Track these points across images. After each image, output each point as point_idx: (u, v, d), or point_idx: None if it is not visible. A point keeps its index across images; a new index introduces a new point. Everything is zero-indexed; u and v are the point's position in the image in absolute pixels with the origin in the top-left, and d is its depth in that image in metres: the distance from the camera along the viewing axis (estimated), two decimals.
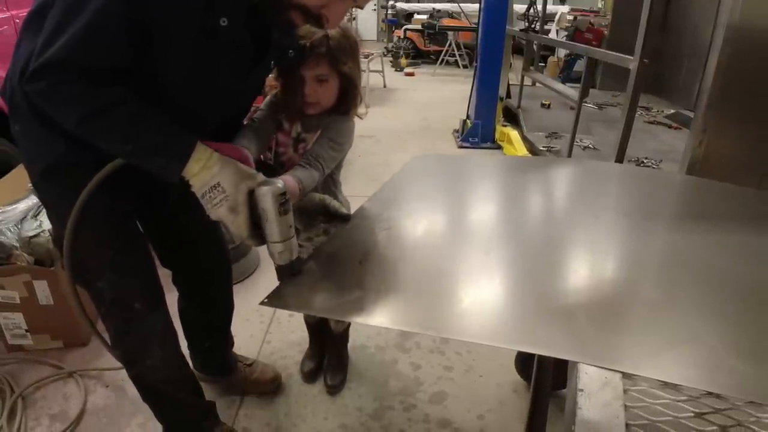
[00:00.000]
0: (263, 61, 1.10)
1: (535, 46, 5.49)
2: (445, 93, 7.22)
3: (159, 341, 1.21)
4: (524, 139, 4.34)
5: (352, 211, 1.24)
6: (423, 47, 10.40)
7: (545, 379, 1.19)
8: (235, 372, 1.69)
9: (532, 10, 4.91)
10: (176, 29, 0.89)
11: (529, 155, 4.00)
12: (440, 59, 9.59)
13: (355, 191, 1.71)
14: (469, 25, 9.05)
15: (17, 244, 1.77)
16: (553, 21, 8.40)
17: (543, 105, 5.29)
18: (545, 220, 1.32)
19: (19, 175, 2.10)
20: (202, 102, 1.03)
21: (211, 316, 1.58)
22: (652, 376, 0.77)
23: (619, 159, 2.64)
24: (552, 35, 7.87)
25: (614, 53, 2.87)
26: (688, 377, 0.70)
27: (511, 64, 5.23)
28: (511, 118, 5.01)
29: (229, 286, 1.59)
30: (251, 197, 0.92)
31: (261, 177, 0.95)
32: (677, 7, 5.62)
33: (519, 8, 5.33)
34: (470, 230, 1.23)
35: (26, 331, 1.82)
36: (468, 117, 4.96)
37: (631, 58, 2.50)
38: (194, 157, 0.92)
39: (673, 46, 5.52)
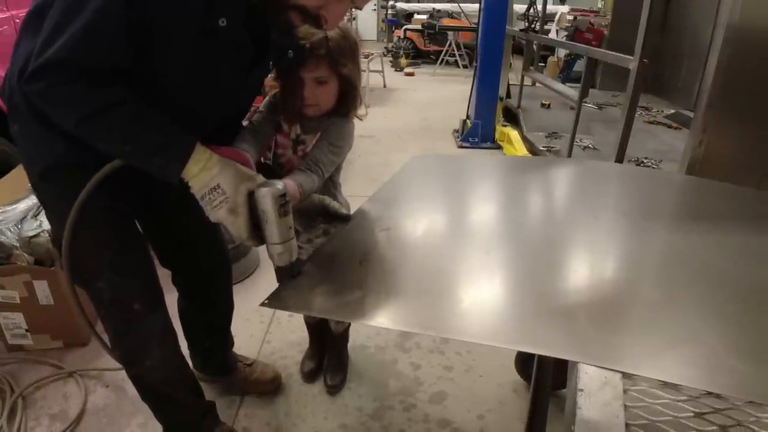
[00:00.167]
0: (263, 61, 1.10)
1: (535, 46, 5.48)
2: (445, 93, 7.22)
3: (158, 342, 1.21)
4: (524, 139, 4.34)
5: (352, 212, 1.24)
6: (423, 47, 10.40)
7: (545, 379, 1.19)
8: (235, 372, 1.69)
9: (532, 10, 4.91)
10: (176, 29, 0.89)
11: (529, 155, 4.00)
12: (440, 59, 9.59)
13: (355, 191, 1.72)
14: (469, 25, 9.04)
15: (17, 244, 1.78)
16: (553, 21, 8.39)
17: (543, 105, 5.29)
18: (545, 220, 1.32)
19: (19, 175, 2.10)
20: (201, 102, 1.03)
21: (211, 316, 1.58)
22: (652, 376, 0.77)
23: (619, 159, 2.64)
24: (552, 35, 7.87)
25: (614, 53, 2.86)
26: (688, 377, 0.70)
27: (511, 64, 5.23)
28: (511, 118, 5.01)
29: (229, 286, 1.59)
30: (251, 199, 0.92)
31: (261, 178, 0.95)
32: (677, 7, 5.62)
33: (519, 8, 5.32)
34: (470, 230, 1.23)
35: (26, 331, 1.83)
36: (468, 117, 4.96)
37: (631, 58, 2.50)
38: (194, 159, 0.92)
39: (673, 46, 5.52)
